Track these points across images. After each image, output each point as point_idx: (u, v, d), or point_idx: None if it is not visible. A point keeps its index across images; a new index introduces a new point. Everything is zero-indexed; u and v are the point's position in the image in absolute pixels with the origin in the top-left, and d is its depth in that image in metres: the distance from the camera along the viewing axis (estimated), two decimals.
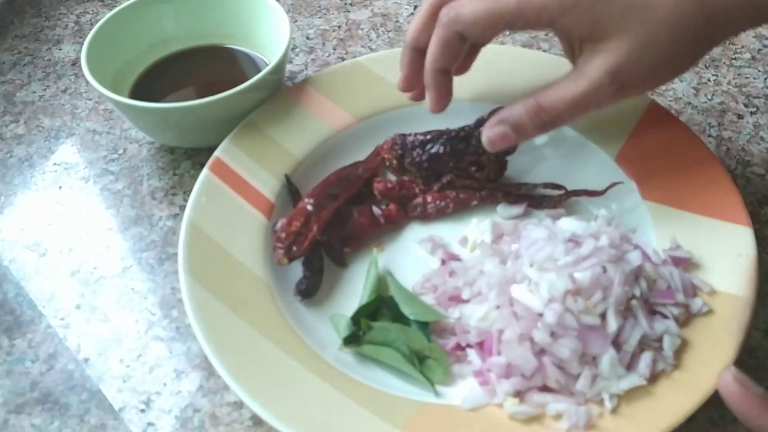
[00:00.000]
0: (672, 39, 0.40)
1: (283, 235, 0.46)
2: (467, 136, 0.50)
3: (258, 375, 0.40)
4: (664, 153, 0.49)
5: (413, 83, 0.49)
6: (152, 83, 0.59)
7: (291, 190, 0.50)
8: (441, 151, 0.50)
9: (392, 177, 0.52)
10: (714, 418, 0.41)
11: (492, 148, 0.46)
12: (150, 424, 0.43)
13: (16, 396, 0.45)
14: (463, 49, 0.45)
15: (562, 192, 0.49)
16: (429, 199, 0.49)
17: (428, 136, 0.51)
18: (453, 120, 0.51)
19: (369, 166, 0.52)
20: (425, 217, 0.50)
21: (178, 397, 0.44)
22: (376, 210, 0.49)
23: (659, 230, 0.46)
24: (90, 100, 0.63)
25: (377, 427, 0.38)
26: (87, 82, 0.64)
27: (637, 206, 0.48)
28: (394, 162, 0.51)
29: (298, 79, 0.63)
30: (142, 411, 0.44)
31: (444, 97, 0.47)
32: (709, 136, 0.57)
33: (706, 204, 0.46)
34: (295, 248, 0.46)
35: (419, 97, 0.50)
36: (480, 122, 0.49)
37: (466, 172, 0.50)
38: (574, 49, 0.43)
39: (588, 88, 0.41)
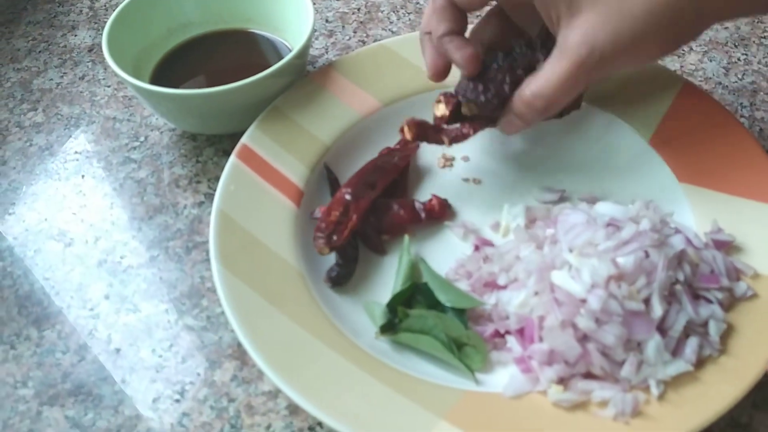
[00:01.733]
0: (649, 11, 0.38)
1: (323, 225, 0.45)
2: (520, 54, 0.45)
3: (295, 364, 0.39)
4: (699, 134, 0.48)
5: (440, 67, 0.47)
6: (173, 69, 0.58)
7: (330, 179, 0.50)
8: (500, 78, 0.44)
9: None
10: (757, 401, 0.41)
11: (508, 134, 0.47)
12: (185, 414, 0.43)
13: (47, 388, 0.44)
14: (462, 15, 0.45)
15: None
16: (464, 129, 0.46)
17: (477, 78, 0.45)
18: None
19: (404, 154, 0.51)
20: (463, 137, 0.46)
21: (212, 387, 0.44)
22: (417, 204, 0.48)
23: (697, 213, 0.45)
24: (109, 87, 0.62)
25: (419, 416, 0.37)
26: (105, 69, 0.64)
27: (673, 189, 0.47)
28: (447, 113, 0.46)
29: (319, 64, 0.62)
30: (177, 401, 0.43)
31: (469, 54, 0.44)
32: (741, 116, 0.56)
33: (745, 185, 0.45)
34: (335, 237, 0.45)
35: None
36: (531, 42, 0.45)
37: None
38: (554, 28, 0.42)
39: (569, 65, 0.40)
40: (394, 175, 0.50)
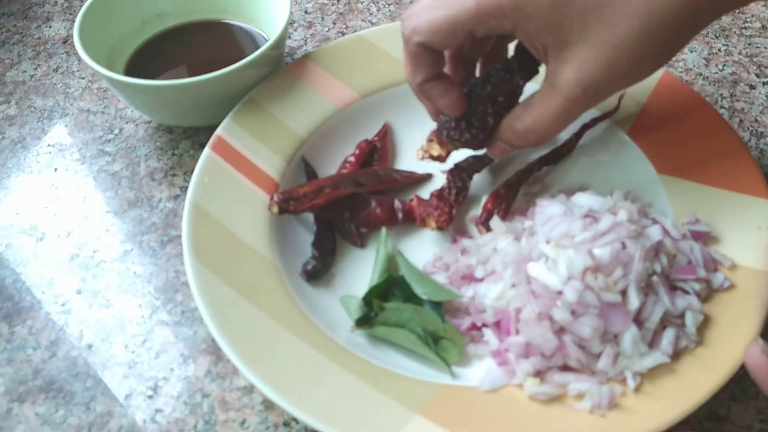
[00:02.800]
0: (645, 36, 0.36)
1: (288, 191, 0.45)
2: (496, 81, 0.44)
3: (269, 359, 0.39)
4: (678, 125, 0.48)
5: (438, 112, 0.45)
6: (147, 60, 0.57)
7: (308, 173, 0.49)
8: (480, 109, 0.44)
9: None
10: (735, 393, 0.41)
11: (499, 158, 0.48)
12: (158, 410, 0.42)
13: (18, 384, 0.43)
14: (438, 57, 0.42)
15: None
16: (490, 206, 0.46)
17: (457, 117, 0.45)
18: None
19: (411, 176, 0.50)
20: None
21: (186, 382, 0.43)
22: (396, 204, 0.47)
23: (676, 204, 0.45)
24: (83, 79, 0.61)
25: (394, 411, 0.37)
26: (79, 61, 0.62)
27: (652, 181, 0.47)
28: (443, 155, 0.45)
29: (298, 55, 0.62)
30: (150, 397, 0.42)
31: (451, 99, 0.43)
32: (722, 107, 0.55)
33: (724, 177, 0.45)
34: (292, 203, 0.45)
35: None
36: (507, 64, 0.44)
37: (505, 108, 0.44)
38: (541, 57, 0.40)
39: (563, 103, 0.39)
40: (389, 186, 0.49)
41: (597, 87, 0.38)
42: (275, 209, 0.44)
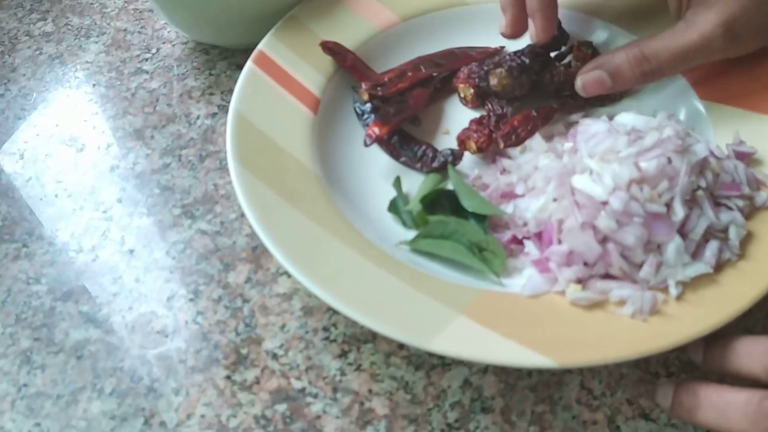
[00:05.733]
0: None
1: (372, 81, 0.47)
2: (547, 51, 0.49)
3: (313, 260, 0.39)
4: None
5: (521, 23, 0.47)
6: None
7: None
8: (528, 61, 0.48)
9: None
10: None
11: (586, 94, 0.45)
12: (200, 312, 0.43)
13: (61, 285, 0.44)
14: None
15: None
16: (516, 123, 0.46)
17: (506, 57, 0.49)
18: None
19: (486, 51, 0.51)
20: (519, 142, 0.46)
21: (226, 288, 0.44)
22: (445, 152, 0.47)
23: (718, 130, 0.45)
24: None
25: (439, 310, 0.37)
26: None
27: (694, 107, 0.47)
28: (471, 92, 0.49)
29: None
30: (191, 300, 0.43)
31: (552, 21, 0.46)
32: None
33: (766, 101, 0.45)
34: (380, 89, 0.46)
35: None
36: (557, 40, 0.50)
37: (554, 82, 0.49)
38: (681, 2, 0.42)
39: (698, 40, 0.41)
40: (465, 63, 0.50)
41: (736, 32, 0.40)
42: (365, 96, 0.47)
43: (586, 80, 0.45)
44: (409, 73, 0.48)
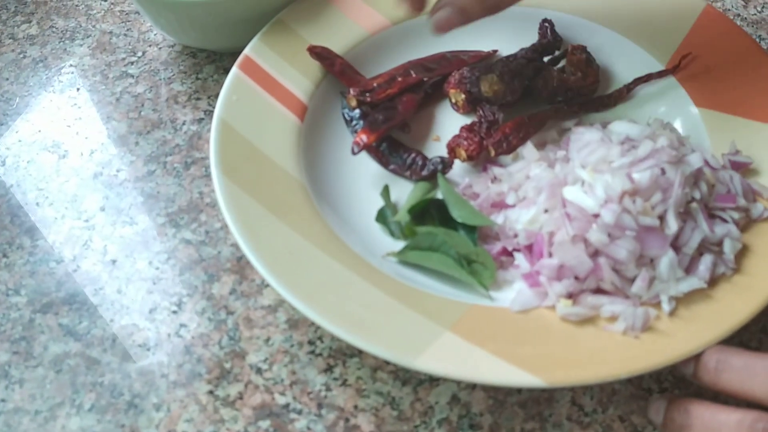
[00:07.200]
0: None
1: (362, 86, 0.46)
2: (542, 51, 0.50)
3: (298, 273, 0.38)
4: (718, 59, 0.47)
5: None
6: None
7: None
8: (522, 63, 0.48)
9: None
10: (766, 326, 0.40)
11: (439, 32, 0.41)
12: (183, 325, 0.42)
13: (41, 296, 0.43)
14: None
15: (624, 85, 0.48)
16: (508, 130, 0.45)
17: (498, 62, 0.48)
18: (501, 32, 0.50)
19: (478, 54, 0.51)
20: (510, 150, 0.45)
21: (210, 299, 0.43)
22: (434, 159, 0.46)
23: (714, 137, 0.44)
24: (105, 1, 0.60)
25: (425, 326, 0.36)
26: None
27: (690, 114, 0.46)
28: (462, 98, 0.47)
29: None
30: (174, 312, 0.42)
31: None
32: None
33: (763, 109, 0.44)
34: (368, 95, 0.45)
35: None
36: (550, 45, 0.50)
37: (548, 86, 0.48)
38: None
39: None
40: (456, 67, 0.49)
41: None
42: (353, 102, 0.45)
43: (437, 19, 0.41)
44: (399, 78, 0.47)
